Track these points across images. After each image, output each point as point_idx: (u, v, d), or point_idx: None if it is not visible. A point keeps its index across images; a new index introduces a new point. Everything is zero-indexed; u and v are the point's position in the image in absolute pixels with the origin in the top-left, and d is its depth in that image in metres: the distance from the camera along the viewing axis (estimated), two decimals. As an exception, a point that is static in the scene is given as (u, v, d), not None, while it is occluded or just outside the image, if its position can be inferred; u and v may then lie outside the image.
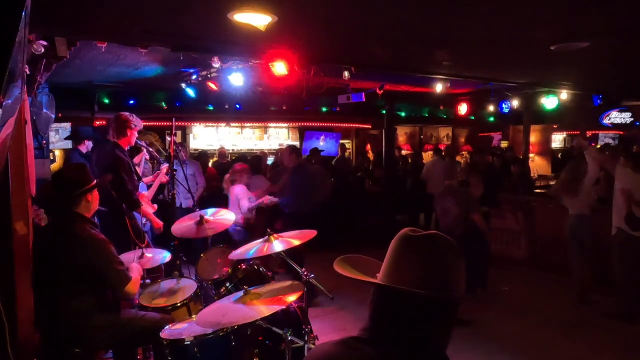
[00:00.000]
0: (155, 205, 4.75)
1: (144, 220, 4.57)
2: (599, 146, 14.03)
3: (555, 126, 14.26)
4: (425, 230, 1.22)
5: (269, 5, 3.56)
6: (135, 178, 4.51)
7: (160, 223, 4.66)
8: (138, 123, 4.50)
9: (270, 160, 10.45)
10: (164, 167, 4.89)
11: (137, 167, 4.76)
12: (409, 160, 11.29)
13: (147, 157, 5.22)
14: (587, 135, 14.65)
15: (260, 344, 2.90)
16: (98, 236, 2.80)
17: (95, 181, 2.93)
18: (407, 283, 1.14)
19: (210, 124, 11.90)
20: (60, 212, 2.84)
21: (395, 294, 1.15)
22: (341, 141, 13.51)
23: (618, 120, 13.65)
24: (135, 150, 5.38)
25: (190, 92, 7.49)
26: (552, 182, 11.33)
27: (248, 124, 12.47)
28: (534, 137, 12.17)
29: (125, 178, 4.25)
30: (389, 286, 1.16)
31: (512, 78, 7.99)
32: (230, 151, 11.34)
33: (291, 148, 6.29)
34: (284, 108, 11.08)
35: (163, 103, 9.95)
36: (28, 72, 4.00)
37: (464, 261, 1.19)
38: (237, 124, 12.26)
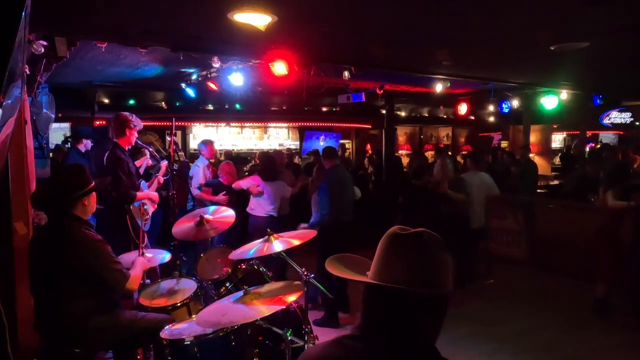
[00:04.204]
0: (155, 205, 4.76)
1: (144, 219, 4.58)
2: (599, 146, 14.06)
3: (555, 126, 14.26)
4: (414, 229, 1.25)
5: (269, 5, 3.56)
6: (135, 178, 4.52)
7: (154, 195, 4.62)
8: (138, 123, 4.50)
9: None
10: (163, 164, 4.89)
11: (138, 169, 4.77)
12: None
13: (150, 162, 5.21)
14: (587, 135, 14.66)
15: (260, 344, 2.90)
16: (94, 237, 2.78)
17: (93, 184, 2.88)
18: (395, 280, 1.17)
19: (210, 124, 11.91)
20: (57, 214, 2.81)
21: (385, 292, 1.18)
22: (341, 141, 13.52)
23: (618, 120, 13.66)
24: (137, 150, 5.38)
25: (190, 92, 7.49)
26: (552, 182, 11.35)
27: (248, 124, 12.49)
28: (534, 137, 12.16)
29: (122, 177, 4.24)
30: (378, 284, 1.19)
31: (512, 78, 7.99)
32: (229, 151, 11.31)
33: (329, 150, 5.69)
34: (284, 108, 11.10)
35: (163, 103, 9.96)
36: (28, 72, 3.99)
37: (451, 257, 1.22)
38: (237, 124, 12.27)
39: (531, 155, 10.12)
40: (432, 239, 1.21)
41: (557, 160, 13.99)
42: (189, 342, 2.59)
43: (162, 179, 4.86)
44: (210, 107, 11.16)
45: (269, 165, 5.76)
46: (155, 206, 4.69)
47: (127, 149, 4.49)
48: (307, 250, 4.49)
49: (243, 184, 5.64)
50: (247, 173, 7.73)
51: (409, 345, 1.17)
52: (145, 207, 4.53)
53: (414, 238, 1.21)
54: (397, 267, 1.19)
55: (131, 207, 4.40)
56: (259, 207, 5.55)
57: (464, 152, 15.05)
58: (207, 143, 6.39)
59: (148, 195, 4.53)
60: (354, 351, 1.17)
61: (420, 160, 9.67)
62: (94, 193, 2.91)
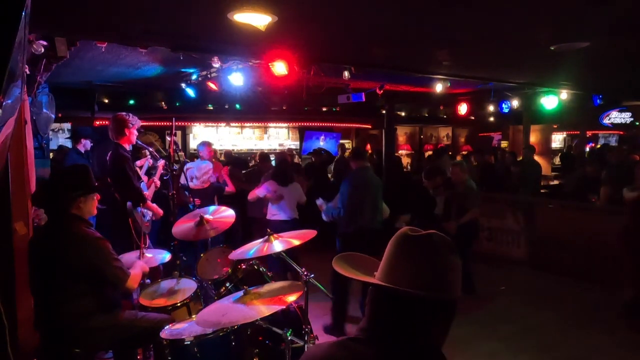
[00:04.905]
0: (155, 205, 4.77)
1: (146, 218, 4.60)
2: (599, 146, 14.06)
3: (555, 126, 14.27)
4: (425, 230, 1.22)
5: (269, 5, 3.56)
6: (136, 178, 4.55)
7: (161, 212, 4.73)
8: (135, 121, 4.52)
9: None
10: (159, 164, 4.91)
11: (138, 170, 4.80)
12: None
13: (152, 162, 5.23)
14: (587, 135, 14.66)
15: (260, 344, 2.90)
16: (94, 235, 2.79)
17: (91, 186, 2.87)
18: (404, 283, 1.15)
19: (210, 124, 11.92)
20: (57, 213, 2.82)
21: (393, 294, 1.16)
22: (341, 141, 13.51)
23: (618, 120, 13.67)
24: (137, 151, 5.39)
25: (190, 92, 7.49)
26: (552, 182, 11.36)
27: (248, 124, 12.49)
28: (534, 137, 12.17)
29: (131, 176, 4.31)
30: (387, 286, 1.17)
31: (512, 78, 7.99)
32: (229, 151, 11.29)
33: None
34: (284, 108, 11.09)
35: (163, 103, 9.95)
36: (28, 72, 4.00)
37: (460, 260, 1.20)
38: (237, 124, 12.27)
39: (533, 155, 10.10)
40: (443, 241, 1.19)
41: (557, 160, 13.99)
42: (189, 342, 2.59)
43: (158, 182, 4.88)
44: (210, 107, 11.15)
45: (283, 168, 5.68)
46: (161, 214, 4.75)
47: (128, 148, 4.52)
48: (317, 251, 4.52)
49: (259, 192, 5.54)
50: (244, 173, 7.70)
51: (414, 349, 1.15)
52: (146, 217, 4.59)
53: (424, 240, 1.19)
54: (406, 269, 1.17)
55: (134, 210, 4.43)
56: (281, 211, 5.50)
57: (464, 152, 15.07)
58: (206, 144, 6.43)
59: (154, 208, 4.67)
60: (357, 354, 1.15)
61: (428, 161, 9.60)
62: (94, 197, 2.90)
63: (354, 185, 4.81)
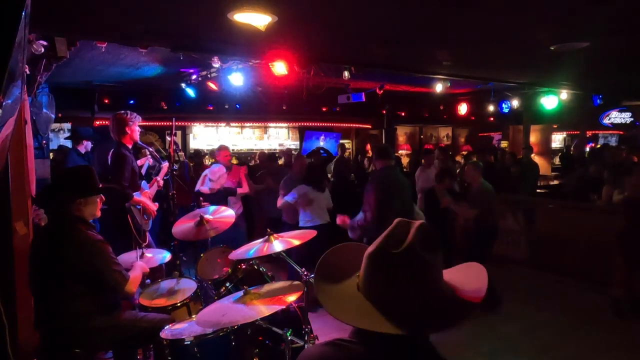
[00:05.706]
0: (157, 204, 4.78)
1: (144, 220, 4.59)
2: (599, 146, 14.06)
3: (555, 126, 14.26)
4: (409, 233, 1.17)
5: (269, 5, 3.56)
6: (137, 178, 4.55)
7: (153, 208, 4.65)
8: (135, 118, 4.52)
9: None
10: (164, 165, 4.92)
11: (139, 169, 4.81)
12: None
13: (151, 162, 5.24)
14: (587, 135, 14.66)
15: (260, 344, 2.90)
16: (94, 237, 2.79)
17: (94, 189, 2.86)
18: (386, 303, 1.14)
19: (210, 124, 11.92)
20: (58, 214, 2.82)
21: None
22: (341, 141, 13.51)
23: (618, 120, 13.66)
24: (137, 150, 5.41)
25: (190, 92, 7.49)
26: (552, 182, 11.37)
27: (248, 124, 12.49)
28: (534, 137, 12.18)
29: (124, 173, 4.29)
30: (370, 330, 1.13)
31: (512, 78, 7.99)
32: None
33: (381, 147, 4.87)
34: (284, 108, 11.07)
35: (163, 103, 9.94)
36: (28, 72, 4.00)
37: (441, 257, 1.18)
38: (237, 124, 12.27)
39: (532, 155, 10.12)
40: (426, 256, 1.13)
41: (557, 160, 13.99)
42: (189, 342, 2.59)
43: (161, 182, 4.88)
44: (210, 107, 11.15)
45: (316, 172, 5.39)
46: (155, 213, 4.71)
47: (130, 146, 4.53)
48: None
49: (289, 198, 5.20)
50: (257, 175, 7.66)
51: (409, 346, 1.16)
52: (145, 215, 4.58)
53: (403, 260, 1.13)
54: (388, 290, 1.14)
55: (132, 208, 4.43)
56: (315, 216, 5.18)
57: (464, 152, 15.05)
58: (221, 149, 6.31)
59: (146, 203, 4.55)
60: (352, 352, 1.16)
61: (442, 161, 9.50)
62: (96, 199, 2.89)
63: (380, 186, 4.38)
